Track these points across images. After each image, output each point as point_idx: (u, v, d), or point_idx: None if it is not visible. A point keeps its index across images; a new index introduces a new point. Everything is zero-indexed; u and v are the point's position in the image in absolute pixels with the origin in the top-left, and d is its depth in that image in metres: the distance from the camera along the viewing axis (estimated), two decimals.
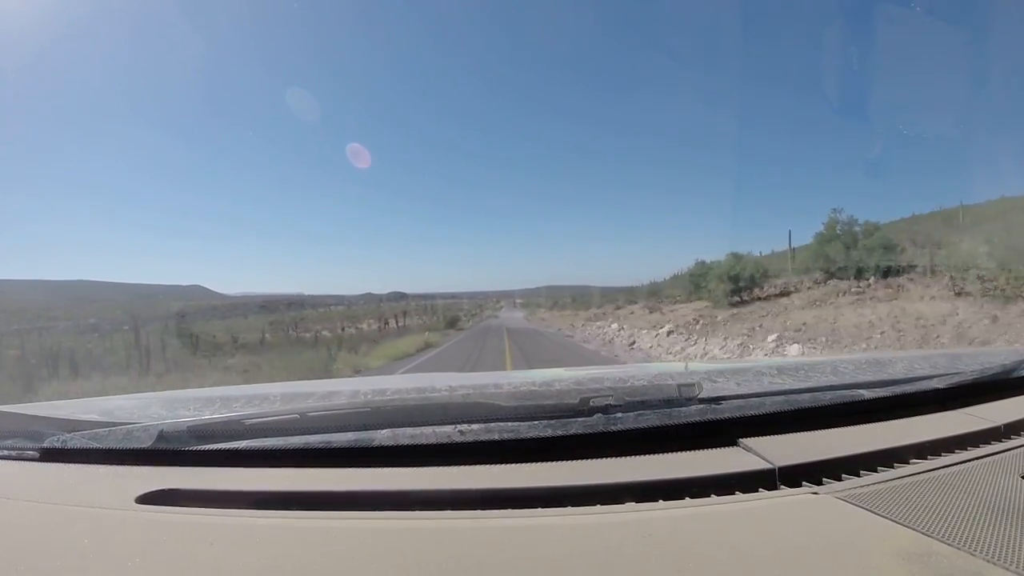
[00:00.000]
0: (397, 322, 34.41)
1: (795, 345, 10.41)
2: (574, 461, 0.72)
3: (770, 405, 0.85)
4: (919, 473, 0.69)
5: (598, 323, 25.58)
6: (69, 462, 0.82)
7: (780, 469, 0.68)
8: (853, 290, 12.78)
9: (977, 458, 0.74)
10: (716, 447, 0.77)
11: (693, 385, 0.89)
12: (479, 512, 0.62)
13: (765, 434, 0.79)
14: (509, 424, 0.80)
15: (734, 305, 15.75)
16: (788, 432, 0.81)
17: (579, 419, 0.80)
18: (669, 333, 15.26)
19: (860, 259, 13.48)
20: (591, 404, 0.83)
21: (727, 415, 0.82)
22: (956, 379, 1.00)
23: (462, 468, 0.72)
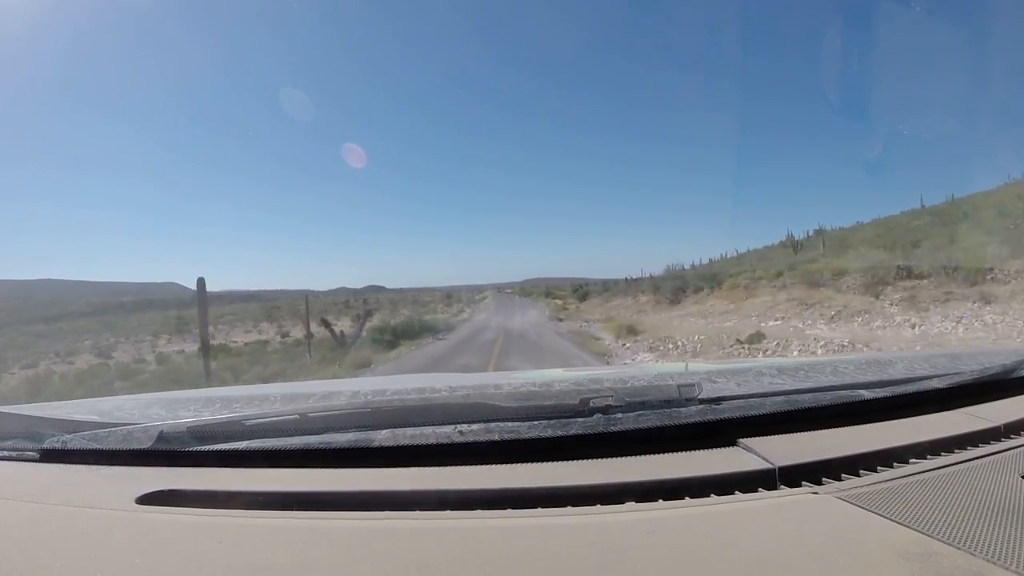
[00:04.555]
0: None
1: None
2: (574, 461, 0.72)
3: (770, 405, 0.85)
4: (919, 473, 0.69)
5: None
6: (69, 462, 0.82)
7: (780, 469, 0.68)
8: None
9: (977, 458, 0.74)
10: (716, 447, 0.76)
11: (693, 385, 0.89)
12: (479, 512, 0.62)
13: (765, 434, 0.79)
14: (509, 424, 0.80)
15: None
16: (788, 432, 0.81)
17: (579, 419, 0.80)
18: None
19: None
20: (591, 404, 0.83)
21: (727, 415, 0.82)
22: (956, 379, 1.00)
23: (462, 468, 0.72)
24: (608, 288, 36.61)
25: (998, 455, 0.75)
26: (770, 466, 0.68)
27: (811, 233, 24.61)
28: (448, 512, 0.62)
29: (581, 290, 42.96)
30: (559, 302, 40.70)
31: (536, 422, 0.80)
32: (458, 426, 0.78)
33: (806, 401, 0.88)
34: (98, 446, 0.82)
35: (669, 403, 0.86)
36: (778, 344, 11.04)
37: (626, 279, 36.01)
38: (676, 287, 22.56)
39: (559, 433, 0.77)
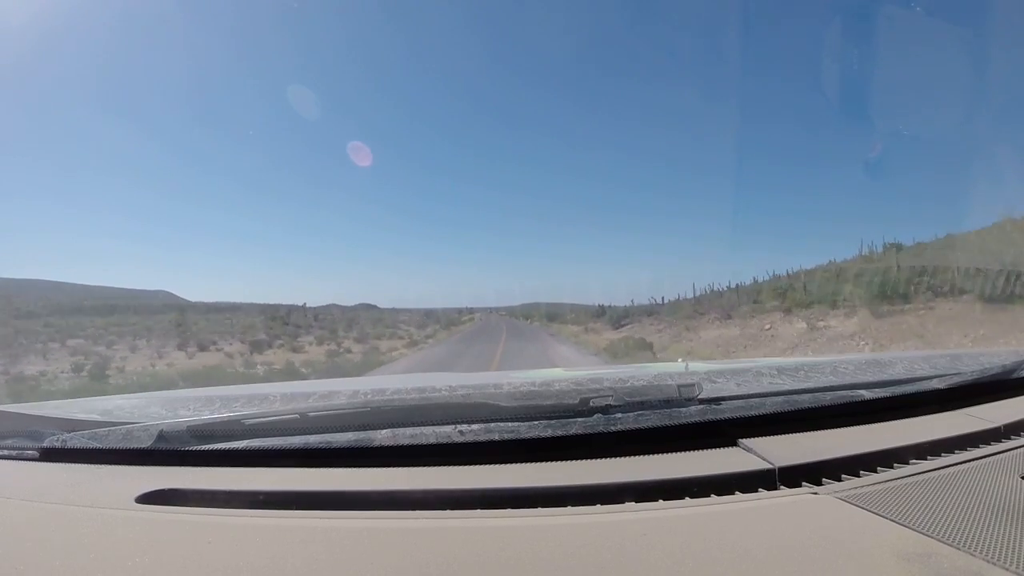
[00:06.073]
0: None
1: None
2: (574, 461, 0.72)
3: (770, 405, 0.85)
4: (919, 473, 0.69)
5: None
6: (69, 462, 0.82)
7: (780, 469, 0.68)
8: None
9: (977, 458, 0.74)
10: (716, 447, 0.77)
11: (693, 385, 0.89)
12: (479, 512, 0.62)
13: (765, 434, 0.79)
14: (509, 424, 0.80)
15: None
16: (788, 432, 0.81)
17: (579, 419, 0.80)
18: None
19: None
20: (591, 404, 0.83)
21: (727, 415, 0.82)
22: (956, 379, 1.00)
23: (462, 468, 0.72)
24: (649, 311, 24.23)
25: (998, 456, 0.75)
26: (770, 466, 0.68)
27: (884, 247, 16.96)
28: (448, 512, 0.62)
29: (610, 312, 27.16)
30: (573, 327, 26.41)
31: (536, 422, 0.80)
32: (458, 426, 0.78)
33: (806, 401, 0.88)
34: (98, 445, 0.82)
35: (669, 403, 0.86)
36: None
37: (650, 300, 25.00)
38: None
39: (559, 433, 0.77)
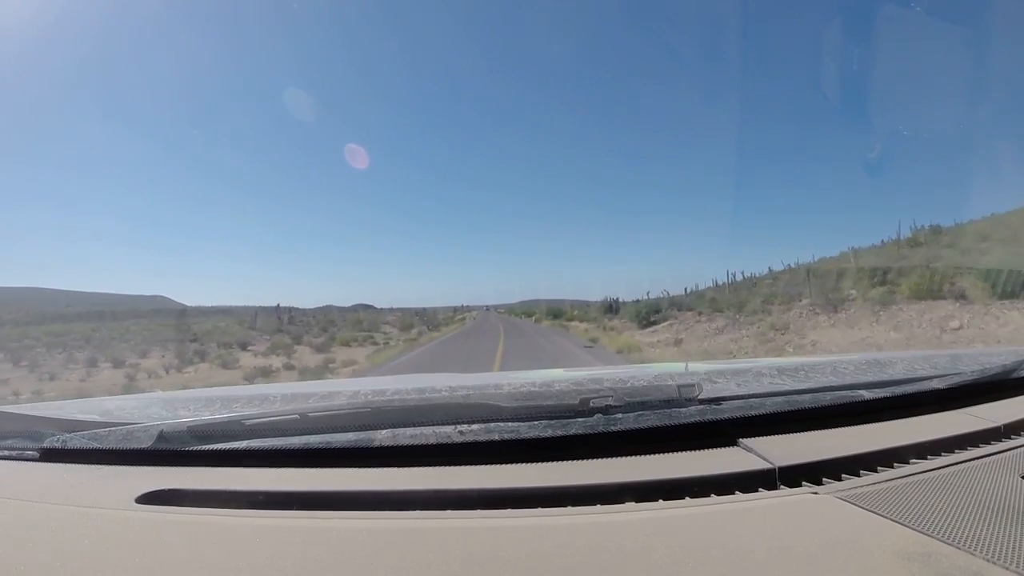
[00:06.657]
0: None
1: None
2: (574, 461, 0.72)
3: (770, 405, 0.85)
4: (919, 473, 0.69)
5: None
6: (69, 462, 0.82)
7: (780, 469, 0.68)
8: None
9: (977, 458, 0.74)
10: (716, 447, 0.77)
11: (693, 386, 0.89)
12: (479, 512, 0.62)
13: (765, 434, 0.80)
14: (509, 424, 0.80)
15: None
16: (788, 432, 0.81)
17: (579, 419, 0.80)
18: None
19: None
20: (591, 404, 0.83)
21: (727, 415, 0.82)
22: (956, 379, 1.00)
23: (462, 468, 0.72)
24: (677, 304, 19.28)
25: (998, 455, 0.75)
26: (770, 466, 0.68)
27: (919, 228, 15.13)
28: (448, 512, 0.62)
29: (640, 307, 20.62)
30: (607, 335, 17.29)
31: (536, 422, 0.80)
32: (458, 426, 0.78)
33: (806, 401, 0.88)
34: (98, 445, 0.82)
35: (669, 403, 0.86)
36: None
37: (663, 293, 20.74)
38: None
39: (559, 433, 0.77)
